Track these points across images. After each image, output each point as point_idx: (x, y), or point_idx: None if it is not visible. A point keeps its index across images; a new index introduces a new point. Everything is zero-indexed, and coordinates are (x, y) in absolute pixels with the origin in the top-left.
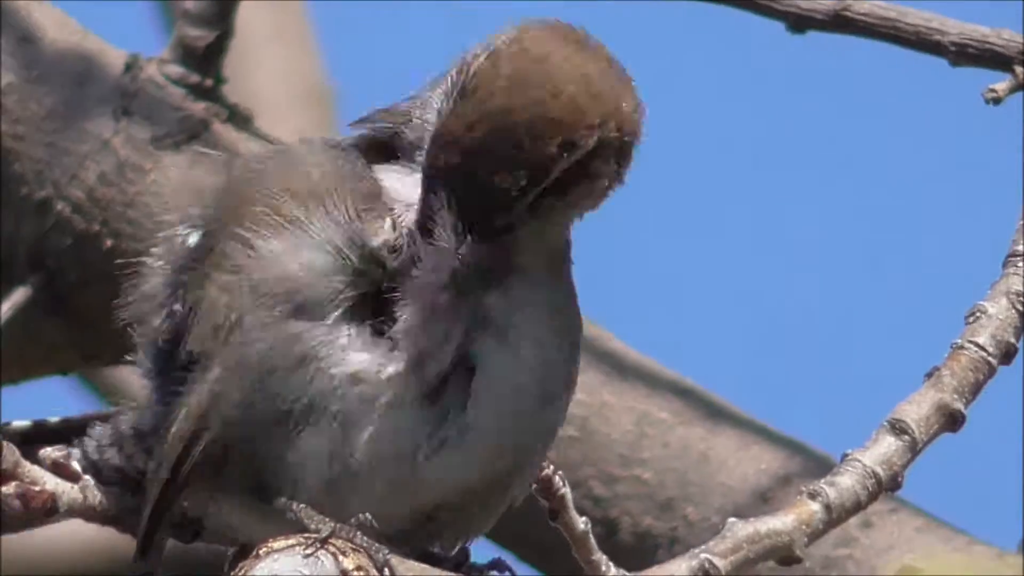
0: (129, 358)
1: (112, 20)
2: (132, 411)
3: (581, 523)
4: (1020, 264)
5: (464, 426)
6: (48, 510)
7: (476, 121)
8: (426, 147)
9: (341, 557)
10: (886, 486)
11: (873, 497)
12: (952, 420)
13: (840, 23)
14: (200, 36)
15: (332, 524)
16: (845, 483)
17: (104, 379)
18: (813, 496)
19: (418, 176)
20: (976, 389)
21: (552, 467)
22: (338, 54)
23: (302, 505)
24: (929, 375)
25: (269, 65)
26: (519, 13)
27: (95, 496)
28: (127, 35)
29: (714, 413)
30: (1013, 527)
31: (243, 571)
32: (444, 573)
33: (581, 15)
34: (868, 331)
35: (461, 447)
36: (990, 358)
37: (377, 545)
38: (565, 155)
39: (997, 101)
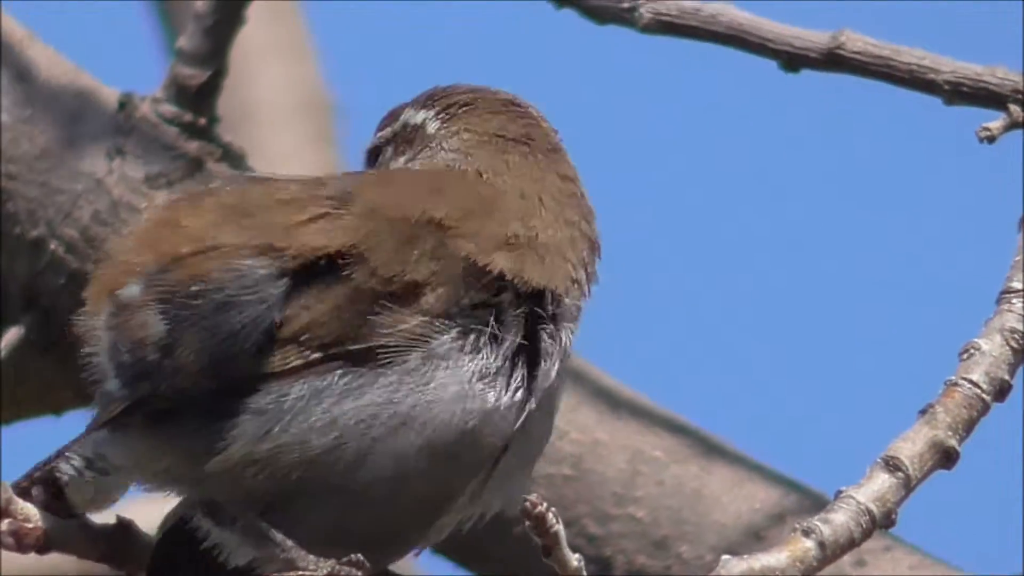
0: None
1: (106, 57)
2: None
3: (574, 560)
4: (1014, 301)
5: None
6: (41, 547)
7: None
8: None
9: None
10: (880, 523)
11: (867, 534)
12: (946, 457)
13: (833, 62)
14: (194, 75)
15: (329, 564)
16: (839, 520)
17: None
18: (807, 533)
19: None
20: (970, 426)
21: (545, 504)
22: (337, 64)
23: (292, 544)
24: (923, 412)
25: (268, 75)
26: (518, 25)
27: (88, 533)
28: (120, 72)
29: (708, 451)
30: (1008, 565)
31: None
32: None
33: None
34: (862, 368)
35: None
36: (984, 395)
37: None
38: None
39: (991, 140)
